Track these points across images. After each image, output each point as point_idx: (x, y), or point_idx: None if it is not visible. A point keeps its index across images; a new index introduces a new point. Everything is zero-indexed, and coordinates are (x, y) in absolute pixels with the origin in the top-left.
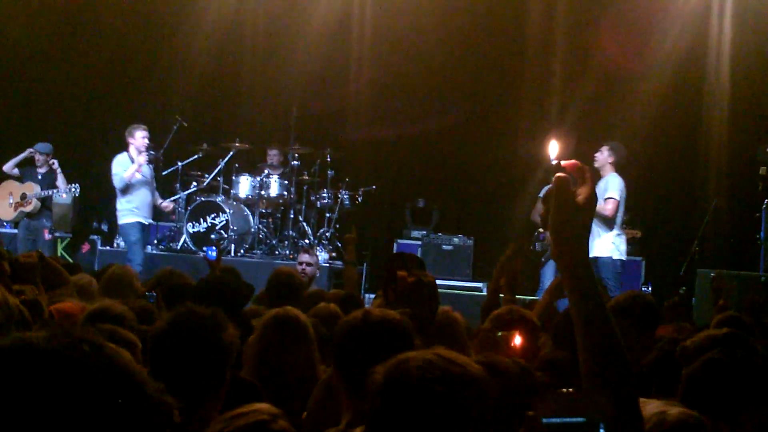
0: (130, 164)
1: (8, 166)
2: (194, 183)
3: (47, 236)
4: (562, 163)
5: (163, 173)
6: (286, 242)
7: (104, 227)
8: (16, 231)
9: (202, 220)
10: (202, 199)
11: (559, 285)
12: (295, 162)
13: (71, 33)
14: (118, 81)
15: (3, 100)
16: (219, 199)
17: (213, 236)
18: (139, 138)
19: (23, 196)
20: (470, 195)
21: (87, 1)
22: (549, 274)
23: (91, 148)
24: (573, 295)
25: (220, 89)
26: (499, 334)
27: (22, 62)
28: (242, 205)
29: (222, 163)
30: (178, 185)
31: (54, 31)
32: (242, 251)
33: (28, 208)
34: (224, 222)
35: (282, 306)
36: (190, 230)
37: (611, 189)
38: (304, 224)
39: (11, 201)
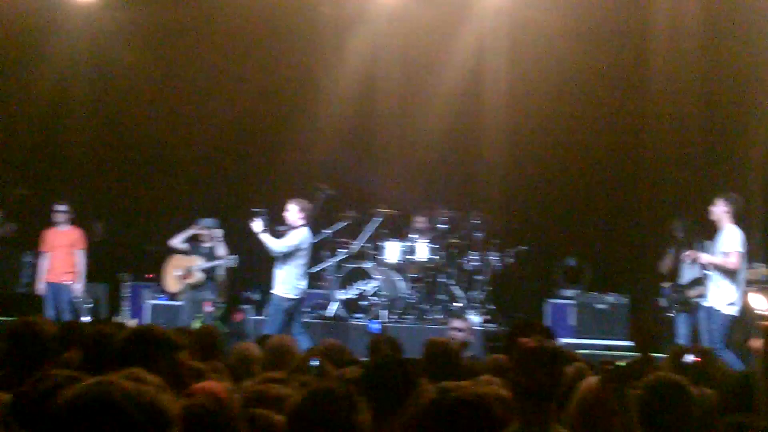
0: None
1: (175, 241)
2: (340, 250)
3: (209, 308)
4: None
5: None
6: (438, 307)
7: (256, 296)
8: (170, 303)
9: (352, 286)
10: (352, 265)
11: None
12: (442, 225)
13: (210, 108)
14: (260, 154)
15: (169, 179)
16: (369, 265)
17: (365, 303)
18: None
19: (188, 269)
20: (622, 252)
21: (225, 75)
22: (683, 328)
23: (239, 220)
24: None
25: (359, 155)
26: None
27: (176, 142)
28: (392, 271)
29: (372, 229)
30: (328, 253)
31: (199, 109)
32: (394, 317)
33: (192, 281)
34: (375, 288)
35: (442, 377)
36: (341, 297)
37: (731, 242)
38: (455, 288)
39: (177, 274)
